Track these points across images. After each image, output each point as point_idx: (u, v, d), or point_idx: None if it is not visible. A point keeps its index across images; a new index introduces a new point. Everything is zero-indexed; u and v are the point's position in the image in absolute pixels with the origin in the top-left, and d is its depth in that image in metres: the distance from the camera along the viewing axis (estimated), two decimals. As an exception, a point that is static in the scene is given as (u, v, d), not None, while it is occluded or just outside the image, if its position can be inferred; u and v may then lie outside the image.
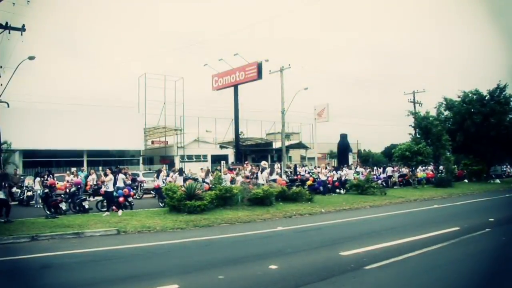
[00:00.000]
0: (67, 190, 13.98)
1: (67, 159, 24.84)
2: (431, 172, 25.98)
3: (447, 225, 9.67)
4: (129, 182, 15.41)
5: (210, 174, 16.62)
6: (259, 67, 26.95)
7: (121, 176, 13.01)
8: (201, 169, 18.81)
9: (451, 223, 9.88)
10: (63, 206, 12.05)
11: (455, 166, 28.38)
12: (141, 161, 30.05)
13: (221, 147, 35.52)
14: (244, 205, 13.26)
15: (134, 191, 16.87)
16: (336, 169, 21.15)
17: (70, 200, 12.76)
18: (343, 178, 19.94)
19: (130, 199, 13.50)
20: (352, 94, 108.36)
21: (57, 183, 13.56)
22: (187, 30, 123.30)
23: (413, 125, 27.72)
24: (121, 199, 12.64)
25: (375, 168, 26.82)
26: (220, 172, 17.14)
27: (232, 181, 16.42)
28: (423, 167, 26.22)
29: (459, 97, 29.62)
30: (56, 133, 23.81)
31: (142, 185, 18.93)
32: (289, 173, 22.85)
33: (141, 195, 18.26)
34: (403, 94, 32.88)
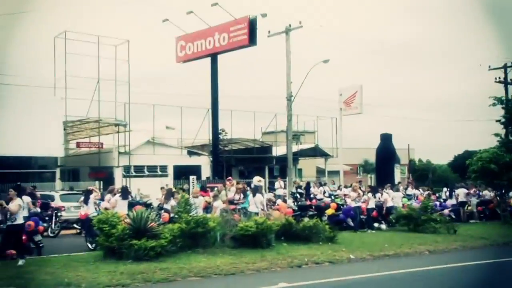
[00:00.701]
0: None
1: None
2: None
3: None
4: (36, 209, 15.19)
5: (172, 197, 16.69)
6: (252, 26, 27.02)
7: (25, 199, 12.86)
8: (161, 188, 18.50)
9: None
10: None
11: None
12: (57, 175, 29.86)
13: (190, 153, 35.49)
14: (225, 247, 13.34)
15: (45, 224, 16.66)
16: (374, 190, 21.18)
17: None
18: (385, 205, 20.04)
19: (38, 237, 13.40)
20: (397, 72, 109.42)
21: None
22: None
23: (502, 120, 27.71)
24: (23, 237, 12.44)
25: (444, 189, 26.74)
26: (189, 194, 17.09)
27: (208, 208, 16.53)
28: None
29: None
30: None
31: (59, 213, 18.91)
32: (298, 196, 22.84)
33: (56, 231, 18.26)
34: (483, 70, 32.85)
